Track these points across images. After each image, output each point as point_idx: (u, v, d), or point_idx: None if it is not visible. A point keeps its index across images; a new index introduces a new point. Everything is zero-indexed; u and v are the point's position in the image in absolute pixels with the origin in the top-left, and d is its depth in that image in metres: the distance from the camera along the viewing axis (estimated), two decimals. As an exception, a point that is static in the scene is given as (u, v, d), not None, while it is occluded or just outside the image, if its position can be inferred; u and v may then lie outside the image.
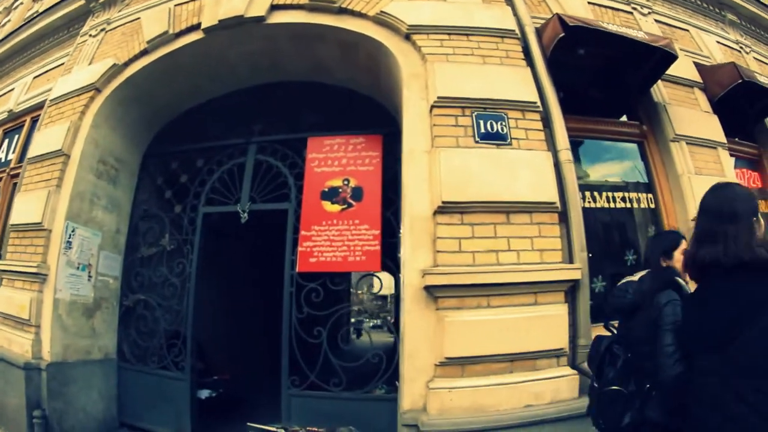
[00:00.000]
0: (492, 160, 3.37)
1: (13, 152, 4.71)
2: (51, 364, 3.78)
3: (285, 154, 4.26)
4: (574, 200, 3.56)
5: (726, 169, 4.70)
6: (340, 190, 4.04)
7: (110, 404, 4.16)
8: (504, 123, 3.53)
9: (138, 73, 4.32)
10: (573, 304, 3.38)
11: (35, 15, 5.21)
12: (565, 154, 3.62)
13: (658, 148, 4.54)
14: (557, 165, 3.60)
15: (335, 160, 4.14)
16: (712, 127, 4.77)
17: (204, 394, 4.61)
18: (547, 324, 3.15)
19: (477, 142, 3.44)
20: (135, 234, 4.54)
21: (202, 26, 4.14)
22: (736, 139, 5.21)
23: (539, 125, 3.62)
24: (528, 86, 3.69)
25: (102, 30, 4.76)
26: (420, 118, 3.49)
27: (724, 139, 4.78)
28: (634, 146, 4.60)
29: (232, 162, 4.37)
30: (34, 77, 5.17)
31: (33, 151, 4.41)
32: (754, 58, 6.18)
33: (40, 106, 4.67)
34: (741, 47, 6.10)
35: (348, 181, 4.06)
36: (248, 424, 3.40)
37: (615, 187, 4.40)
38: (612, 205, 4.32)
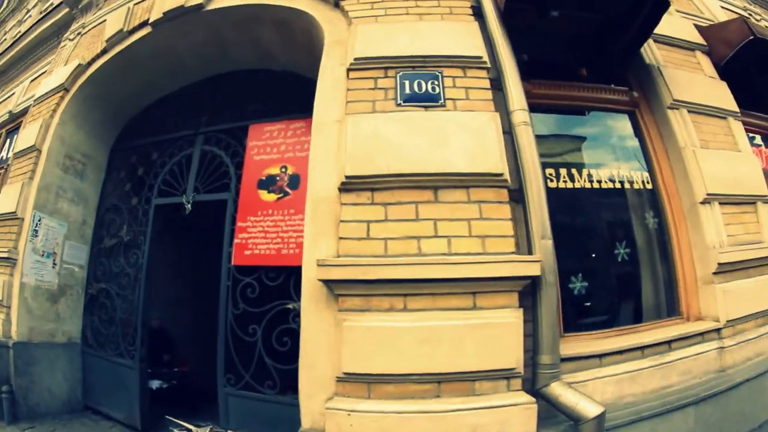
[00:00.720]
0: (415, 125, 2.13)
1: (12, 151, 4.08)
2: (17, 343, 3.16)
3: (228, 143, 3.26)
4: (532, 172, 2.18)
5: (740, 143, 3.09)
6: (278, 178, 2.92)
7: (75, 386, 3.41)
8: (437, 82, 2.25)
9: (97, 72, 3.52)
10: (533, 308, 2.03)
11: (32, 25, 4.65)
12: (520, 116, 2.25)
13: (654, 118, 3.00)
14: (511, 131, 2.23)
15: (274, 147, 3.04)
16: (719, 94, 3.14)
17: (155, 384, 3.62)
18: (490, 335, 1.87)
19: (399, 104, 2.20)
20: (101, 226, 3.75)
21: (150, 20, 3.26)
22: (752, 112, 3.40)
23: (485, 83, 2.32)
24: (473, 39, 2.41)
25: (78, 34, 4.03)
26: (335, 84, 2.33)
27: (735, 108, 3.16)
28: (623, 116, 3.06)
29: (181, 154, 3.43)
30: (30, 81, 4.60)
31: (17, 147, 3.79)
32: (766, 26, 4.21)
33: (30, 108, 3.99)
34: (750, 14, 4.20)
35: (285, 168, 2.93)
36: (167, 417, 2.41)
37: (599, 164, 2.88)
38: (595, 185, 2.78)
